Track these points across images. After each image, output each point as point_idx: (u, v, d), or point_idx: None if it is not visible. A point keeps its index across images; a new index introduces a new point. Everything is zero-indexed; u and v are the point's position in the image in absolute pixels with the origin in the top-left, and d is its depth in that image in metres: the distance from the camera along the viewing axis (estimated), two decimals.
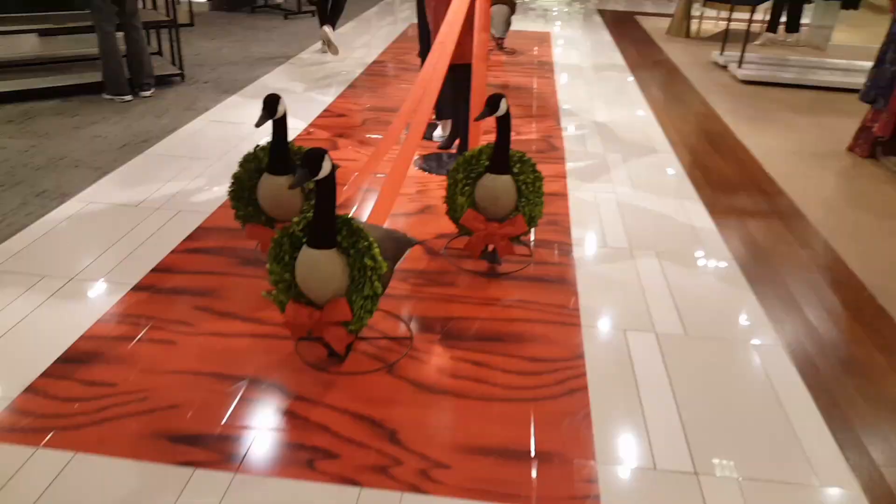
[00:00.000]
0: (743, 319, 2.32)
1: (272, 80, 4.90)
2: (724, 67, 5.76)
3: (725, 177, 3.54)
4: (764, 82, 5.35)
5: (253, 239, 2.42)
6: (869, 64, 4.92)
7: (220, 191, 3.08)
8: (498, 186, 2.33)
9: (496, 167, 2.33)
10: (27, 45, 5.36)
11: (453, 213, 2.43)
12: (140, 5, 5.09)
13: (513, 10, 6.09)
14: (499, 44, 6.14)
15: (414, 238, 2.21)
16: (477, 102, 2.89)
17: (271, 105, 2.12)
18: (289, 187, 1.63)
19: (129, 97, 4.28)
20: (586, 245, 2.76)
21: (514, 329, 2.20)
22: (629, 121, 4.37)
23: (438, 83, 2.66)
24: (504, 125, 2.27)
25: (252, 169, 2.34)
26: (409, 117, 2.77)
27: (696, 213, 3.09)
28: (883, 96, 3.60)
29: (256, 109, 4.26)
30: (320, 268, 1.80)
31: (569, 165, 3.56)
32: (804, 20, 7.01)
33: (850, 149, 3.93)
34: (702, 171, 3.58)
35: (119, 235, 2.66)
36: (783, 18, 6.87)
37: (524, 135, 4.02)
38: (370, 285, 1.81)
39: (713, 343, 2.19)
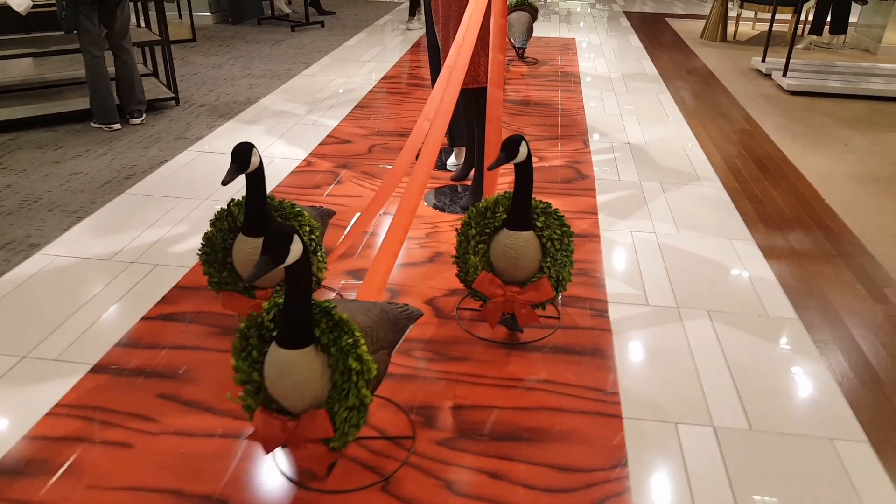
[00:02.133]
0: (820, 408, 1.89)
1: (273, 102, 4.56)
2: (768, 76, 5.28)
3: (780, 209, 3.10)
4: (813, 92, 4.87)
5: (230, 310, 2.05)
6: None
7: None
8: (518, 245, 1.94)
9: (515, 222, 1.93)
10: (18, 68, 5.11)
11: (465, 274, 2.04)
12: (134, 21, 4.80)
13: (534, 17, 5.68)
14: (519, 53, 5.74)
15: (416, 310, 1.82)
16: (493, 136, 2.50)
17: (242, 157, 1.76)
18: (245, 283, 1.26)
19: (117, 125, 3.97)
20: (624, 303, 2.35)
21: (539, 422, 1.81)
22: (666, 141, 3.94)
23: (447, 115, 2.27)
24: (524, 173, 1.88)
25: (226, 228, 1.98)
26: (415, 154, 2.39)
27: (750, 258, 2.66)
28: None
29: (253, 136, 3.93)
30: (293, 372, 1.42)
31: (600, 198, 3.15)
32: (852, 19, 6.50)
33: None
34: (752, 203, 3.14)
35: (85, 299, 2.32)
36: (829, 18, 6.36)
37: (549, 160, 3.61)
38: (356, 393, 1.44)
39: (786, 442, 1.77)
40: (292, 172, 3.41)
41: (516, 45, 5.64)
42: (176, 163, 3.51)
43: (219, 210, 2.00)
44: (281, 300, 1.49)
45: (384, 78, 5.20)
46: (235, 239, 1.96)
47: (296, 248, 1.35)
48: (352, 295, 2.38)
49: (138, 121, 4.08)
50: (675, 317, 2.28)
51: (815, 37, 6.36)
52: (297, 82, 5.03)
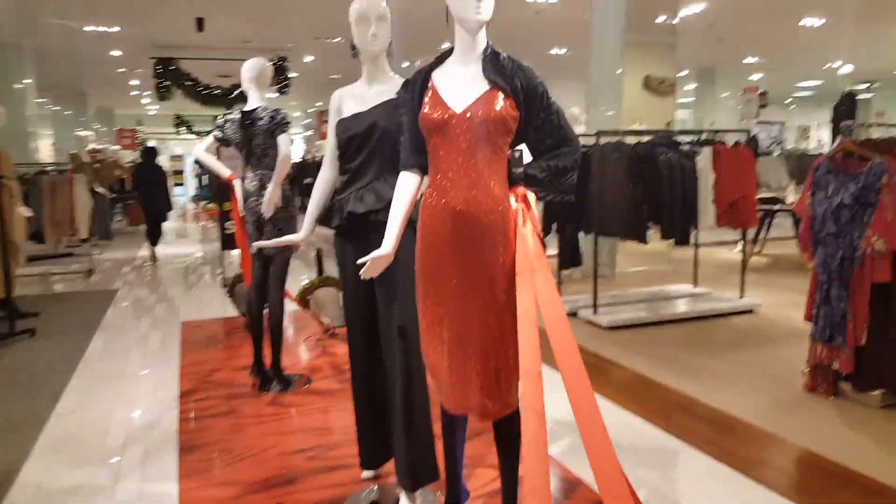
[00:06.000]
0: None
1: (43, 473, 2.91)
2: (574, 314, 5.49)
3: (766, 460, 2.90)
4: (627, 325, 5.18)
5: None
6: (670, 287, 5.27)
7: None
8: None
9: None
10: None
11: None
12: None
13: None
14: (328, 329, 5.00)
15: None
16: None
17: None
18: None
19: None
20: None
21: None
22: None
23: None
24: None
25: None
26: None
27: None
28: (840, 333, 3.48)
29: None
30: None
31: None
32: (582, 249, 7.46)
33: (811, 389, 3.71)
34: (755, 470, 2.88)
35: None
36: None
37: None
38: None
39: None
40: None
41: (327, 322, 4.94)
42: None
43: None
44: None
45: (184, 395, 3.89)
46: None
47: None
48: None
49: None
50: None
51: (566, 271, 7.07)
52: (59, 430, 3.39)
